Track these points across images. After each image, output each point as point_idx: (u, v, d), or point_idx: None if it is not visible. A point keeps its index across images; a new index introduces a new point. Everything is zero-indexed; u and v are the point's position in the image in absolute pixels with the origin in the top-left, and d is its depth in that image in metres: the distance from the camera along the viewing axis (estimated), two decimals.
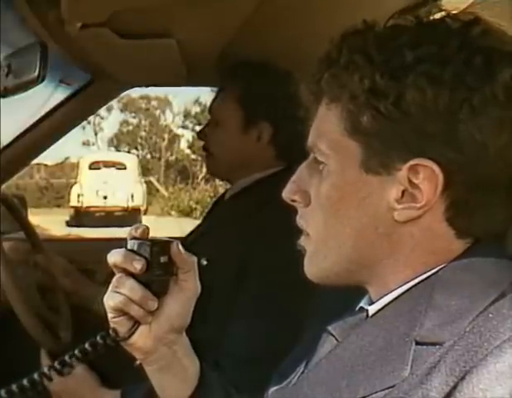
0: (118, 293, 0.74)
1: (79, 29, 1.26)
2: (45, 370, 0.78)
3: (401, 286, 0.65)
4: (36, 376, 0.78)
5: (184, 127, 21.09)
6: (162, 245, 0.75)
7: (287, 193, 0.71)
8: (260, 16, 1.22)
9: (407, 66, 0.60)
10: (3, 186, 1.80)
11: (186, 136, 21.07)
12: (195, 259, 0.77)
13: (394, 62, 0.61)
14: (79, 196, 13.26)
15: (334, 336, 0.71)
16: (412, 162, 0.61)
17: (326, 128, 0.66)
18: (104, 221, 11.93)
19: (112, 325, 0.77)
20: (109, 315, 0.76)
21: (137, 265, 0.73)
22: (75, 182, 14.06)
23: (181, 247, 0.76)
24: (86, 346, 0.77)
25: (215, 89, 1.59)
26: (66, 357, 0.78)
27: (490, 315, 0.56)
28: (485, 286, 0.60)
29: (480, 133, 0.60)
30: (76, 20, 1.24)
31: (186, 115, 20.95)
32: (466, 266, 0.63)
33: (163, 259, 0.75)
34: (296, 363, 0.76)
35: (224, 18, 1.26)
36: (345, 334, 0.69)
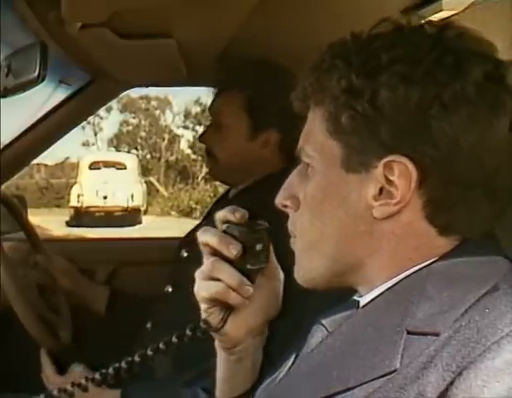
0: (214, 280, 0.73)
1: (79, 29, 1.26)
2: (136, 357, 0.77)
3: (389, 280, 0.66)
4: (123, 363, 0.77)
5: (184, 127, 21.09)
6: (260, 232, 0.74)
7: (278, 199, 0.73)
8: (260, 16, 1.22)
9: (381, 67, 0.63)
10: (3, 186, 1.80)
11: (186, 136, 21.07)
12: None
13: (370, 63, 0.64)
14: (79, 196, 13.24)
15: (325, 327, 0.72)
16: (386, 159, 0.63)
17: (312, 131, 0.69)
18: (104, 221, 11.90)
19: (204, 315, 0.76)
20: (203, 306, 0.75)
21: (234, 251, 0.72)
22: (75, 182, 14.04)
23: None
24: (173, 338, 0.75)
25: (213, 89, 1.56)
26: (148, 350, 0.76)
27: (487, 310, 0.56)
28: (478, 278, 0.61)
29: (451, 129, 0.61)
30: (76, 20, 1.24)
31: (187, 115, 20.94)
32: (458, 260, 0.63)
33: (259, 246, 0.73)
34: (286, 357, 0.76)
35: (223, 18, 1.26)
36: (336, 325, 0.69)
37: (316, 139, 0.68)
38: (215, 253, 0.74)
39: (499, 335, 0.53)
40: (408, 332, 0.59)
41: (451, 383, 0.52)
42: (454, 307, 0.58)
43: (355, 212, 0.66)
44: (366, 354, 0.61)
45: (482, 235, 0.66)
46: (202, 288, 0.74)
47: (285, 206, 0.72)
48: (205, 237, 0.74)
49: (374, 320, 0.63)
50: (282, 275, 0.79)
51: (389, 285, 0.65)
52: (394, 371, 0.57)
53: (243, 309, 0.76)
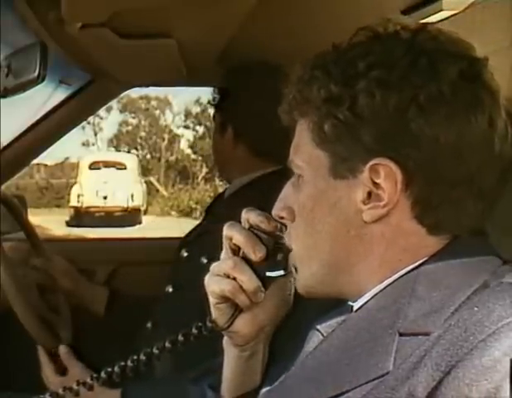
0: (229, 278, 0.74)
1: (79, 29, 1.26)
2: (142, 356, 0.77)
3: (381, 283, 0.66)
4: (129, 362, 0.77)
5: (184, 127, 21.09)
6: (283, 242, 0.75)
7: (275, 211, 0.74)
8: (260, 16, 1.22)
9: (358, 74, 0.64)
10: (3, 186, 1.80)
11: (186, 136, 21.06)
12: None
13: (348, 72, 0.65)
14: (79, 196, 13.24)
15: (320, 332, 0.73)
16: (371, 163, 0.64)
17: (300, 142, 0.71)
18: (104, 221, 11.90)
19: (213, 311, 0.76)
20: (212, 300, 0.76)
21: (259, 254, 0.73)
22: (75, 182, 14.04)
23: None
24: (179, 337, 0.76)
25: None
26: (154, 348, 0.77)
27: (476, 308, 0.56)
28: (467, 277, 0.62)
29: (430, 130, 0.63)
30: (76, 20, 1.24)
31: (187, 115, 20.93)
32: (447, 259, 0.64)
33: (280, 256, 0.75)
34: (288, 363, 0.76)
35: (223, 18, 1.26)
36: (331, 330, 0.70)
37: (304, 150, 0.70)
38: (237, 249, 0.75)
39: (487, 333, 0.53)
40: (400, 334, 0.60)
41: (440, 382, 0.52)
42: (444, 306, 0.59)
43: (345, 217, 0.67)
44: (360, 357, 0.61)
45: (472, 233, 0.66)
46: (215, 283, 0.75)
47: (282, 218, 0.73)
48: (231, 232, 0.75)
49: (366, 323, 0.64)
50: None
51: (381, 288, 0.66)
52: (387, 373, 0.58)
53: (254, 308, 0.77)
